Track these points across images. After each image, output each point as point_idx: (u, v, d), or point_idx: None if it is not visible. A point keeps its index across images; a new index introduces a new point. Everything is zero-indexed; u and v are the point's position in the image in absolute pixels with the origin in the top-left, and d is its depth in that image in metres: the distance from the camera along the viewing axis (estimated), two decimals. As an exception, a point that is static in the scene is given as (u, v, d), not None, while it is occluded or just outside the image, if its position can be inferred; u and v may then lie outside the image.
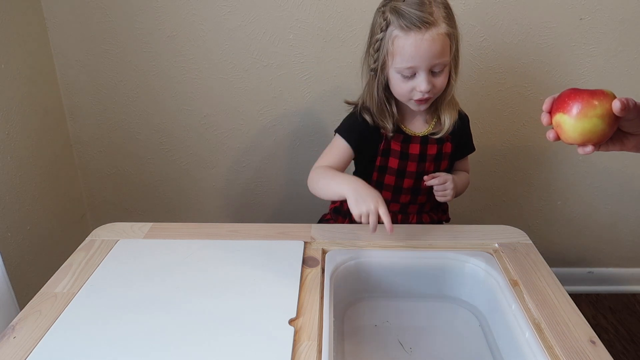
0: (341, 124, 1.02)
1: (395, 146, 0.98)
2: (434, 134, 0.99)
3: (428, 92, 0.88)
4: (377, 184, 1.02)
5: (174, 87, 1.33)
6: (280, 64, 1.30)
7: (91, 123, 1.38)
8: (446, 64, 0.88)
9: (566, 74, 1.31)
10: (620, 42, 1.28)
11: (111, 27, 1.26)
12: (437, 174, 0.98)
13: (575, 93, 0.60)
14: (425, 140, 0.98)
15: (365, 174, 1.03)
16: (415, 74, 0.87)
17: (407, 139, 0.98)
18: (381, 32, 0.87)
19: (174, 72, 1.31)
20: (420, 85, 0.87)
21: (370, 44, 0.92)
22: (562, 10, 1.24)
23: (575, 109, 0.59)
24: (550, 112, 0.63)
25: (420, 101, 0.91)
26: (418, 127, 1.00)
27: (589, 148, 0.61)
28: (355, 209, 0.79)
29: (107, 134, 1.39)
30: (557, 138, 0.63)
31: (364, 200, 0.79)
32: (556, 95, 0.63)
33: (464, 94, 1.33)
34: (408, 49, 0.85)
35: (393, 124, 0.96)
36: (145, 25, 1.26)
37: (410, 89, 0.89)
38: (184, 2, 1.23)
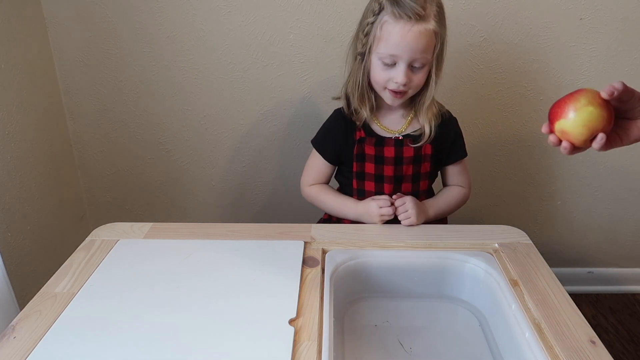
0: (317, 133, 1.05)
1: (369, 150, 0.98)
2: (409, 135, 0.98)
3: (404, 85, 0.88)
4: (358, 192, 1.02)
5: (174, 87, 1.33)
6: (280, 64, 1.30)
7: (91, 123, 1.38)
8: (427, 61, 0.89)
9: (566, 74, 1.31)
10: (620, 42, 1.28)
11: (111, 27, 1.26)
12: (397, 194, 0.96)
13: (559, 101, 0.66)
14: (399, 142, 0.97)
15: (346, 182, 1.04)
16: (395, 64, 0.88)
17: (381, 141, 0.97)
18: (373, 15, 0.88)
19: (174, 72, 1.31)
20: (398, 76, 0.88)
21: (360, 28, 0.93)
22: (562, 10, 1.24)
23: (567, 110, 0.64)
24: (551, 130, 0.67)
25: (395, 93, 0.91)
26: (394, 122, 0.99)
27: (600, 137, 0.63)
28: (372, 222, 0.94)
29: (107, 134, 1.39)
30: (572, 148, 0.65)
31: (369, 215, 0.94)
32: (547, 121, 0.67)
33: (464, 94, 1.33)
34: (394, 36, 0.86)
35: (369, 113, 0.97)
36: (145, 26, 1.26)
37: (387, 78, 0.90)
38: (184, 2, 1.23)
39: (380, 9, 0.87)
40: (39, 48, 1.25)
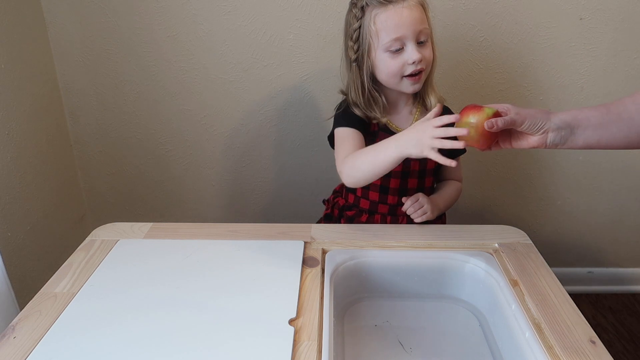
0: (336, 120, 0.98)
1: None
2: None
3: (420, 62, 0.89)
4: (364, 186, 1.01)
5: (174, 86, 1.33)
6: (280, 64, 1.30)
7: (91, 123, 1.38)
8: (429, 32, 0.91)
9: (566, 74, 1.31)
10: (621, 42, 1.28)
11: (111, 27, 1.26)
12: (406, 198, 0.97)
13: (469, 107, 0.74)
14: None
15: None
16: (402, 47, 0.89)
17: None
18: (357, 20, 0.90)
19: (174, 72, 1.31)
20: (411, 55, 0.88)
21: (346, 39, 0.95)
22: (562, 10, 1.24)
23: (462, 116, 0.73)
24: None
25: (413, 77, 0.91)
26: (403, 120, 1.00)
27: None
28: (419, 153, 0.76)
29: (107, 134, 1.39)
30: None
31: (418, 140, 0.75)
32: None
33: (464, 94, 1.33)
34: (391, 20, 0.87)
35: (381, 114, 0.96)
36: (145, 26, 1.26)
37: (401, 64, 0.89)
38: (184, 2, 1.23)
39: (363, 10, 0.90)
40: (39, 48, 1.25)
